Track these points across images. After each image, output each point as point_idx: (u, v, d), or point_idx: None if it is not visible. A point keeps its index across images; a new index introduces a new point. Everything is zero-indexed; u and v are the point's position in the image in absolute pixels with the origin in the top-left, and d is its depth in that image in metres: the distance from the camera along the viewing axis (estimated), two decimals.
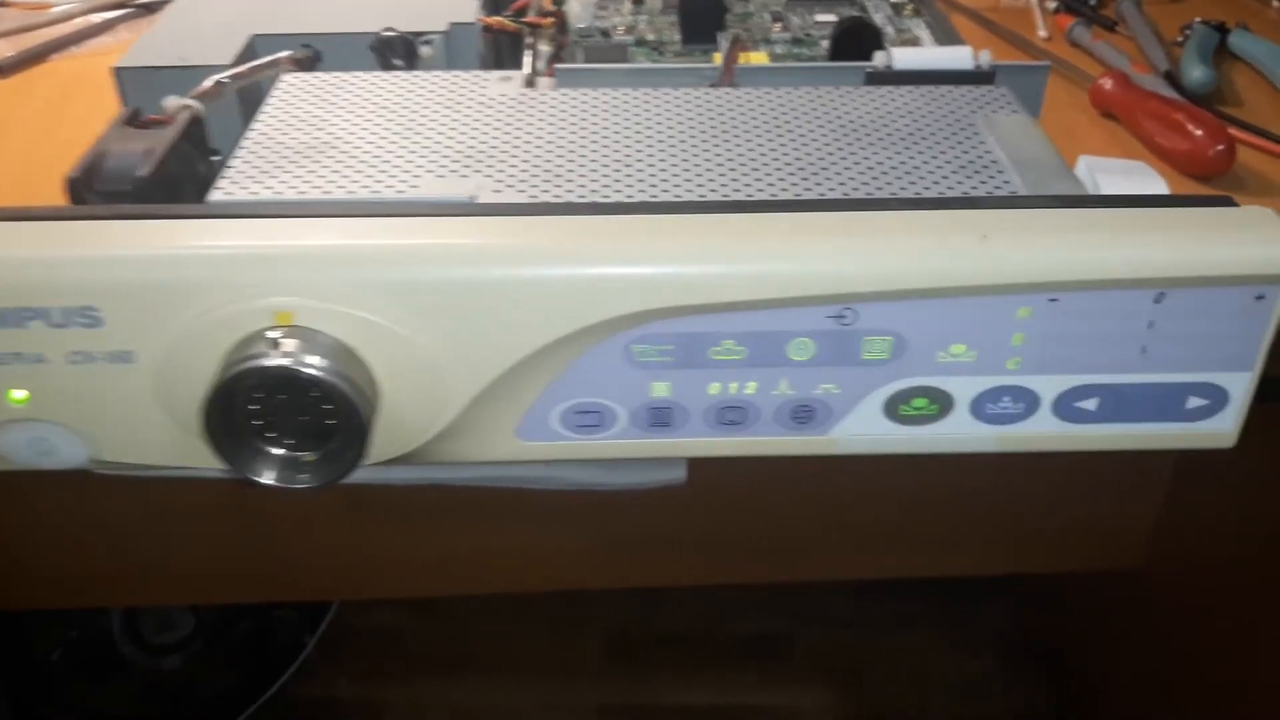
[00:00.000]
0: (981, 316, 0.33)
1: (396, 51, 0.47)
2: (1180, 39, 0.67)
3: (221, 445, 0.32)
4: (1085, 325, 0.34)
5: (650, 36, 0.56)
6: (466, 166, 0.38)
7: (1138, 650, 0.94)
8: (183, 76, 0.46)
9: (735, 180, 0.37)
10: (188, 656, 1.15)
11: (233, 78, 0.44)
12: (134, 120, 0.41)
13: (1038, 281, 0.32)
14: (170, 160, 0.39)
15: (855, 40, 0.50)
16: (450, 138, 0.39)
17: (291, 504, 0.79)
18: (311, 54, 0.48)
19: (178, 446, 0.34)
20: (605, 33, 0.56)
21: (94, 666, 1.13)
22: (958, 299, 0.33)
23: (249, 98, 0.46)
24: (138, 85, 0.46)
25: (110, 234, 0.32)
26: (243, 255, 0.32)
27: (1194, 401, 0.36)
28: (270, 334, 0.31)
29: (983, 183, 0.37)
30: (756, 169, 0.38)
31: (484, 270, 0.32)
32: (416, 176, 0.37)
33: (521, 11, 0.52)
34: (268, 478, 0.32)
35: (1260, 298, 0.33)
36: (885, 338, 0.33)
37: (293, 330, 0.32)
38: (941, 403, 0.35)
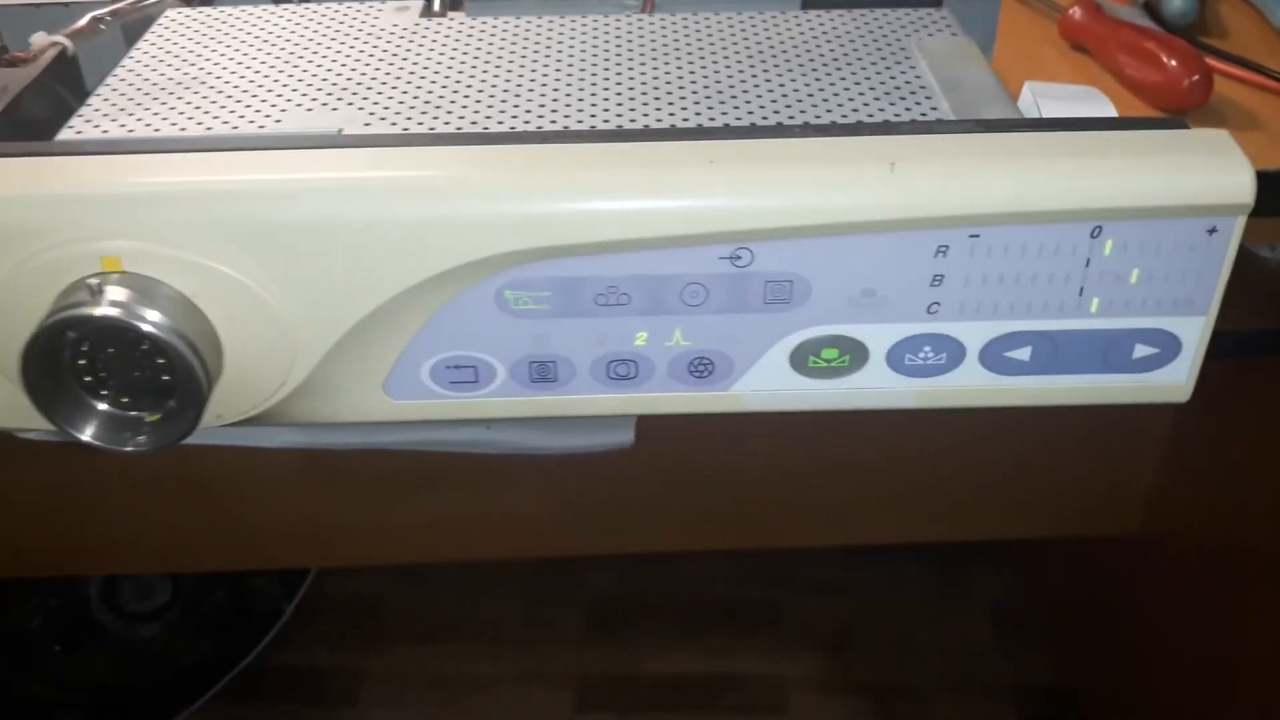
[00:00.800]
0: (894, 256, 0.30)
1: None
2: None
3: (41, 400, 0.29)
4: (1013, 264, 0.30)
5: None
6: (339, 100, 0.34)
7: (1136, 617, 0.91)
8: (63, 14, 0.42)
9: (636, 109, 0.34)
10: (165, 625, 1.13)
11: (112, 14, 0.41)
12: None
13: (955, 214, 0.29)
14: (28, 100, 0.36)
15: None
16: (329, 70, 0.36)
17: (264, 472, 0.77)
18: None
19: (11, 407, 0.31)
20: None
21: (72, 634, 1.11)
22: (866, 236, 0.29)
23: (136, 36, 0.43)
24: (12, 23, 0.42)
25: None
26: (67, 196, 0.28)
27: (1141, 350, 0.32)
28: (92, 281, 0.28)
29: (907, 110, 0.34)
30: (660, 97, 0.34)
31: (333, 208, 0.28)
32: (282, 111, 0.34)
33: None
34: (93, 436, 0.29)
35: (1213, 231, 0.30)
36: (785, 281, 0.30)
37: (122, 278, 0.28)
38: (854, 354, 0.31)
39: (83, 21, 0.40)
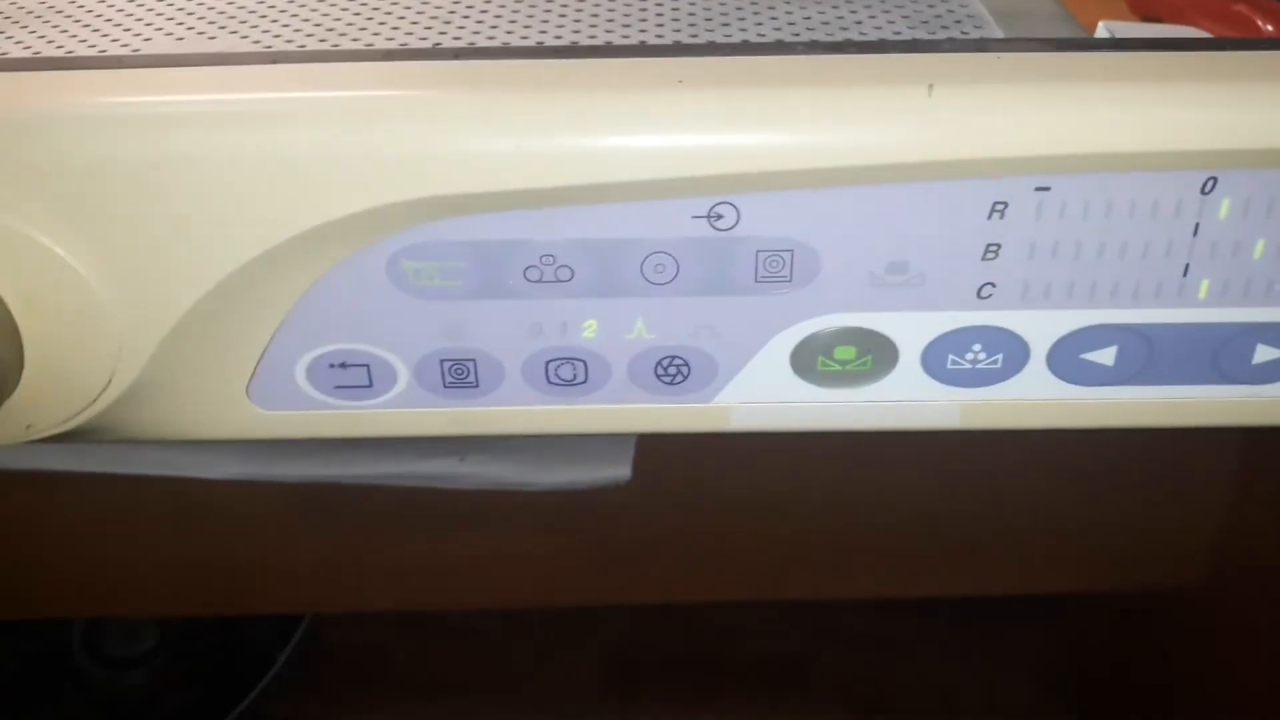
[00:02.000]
0: (933, 217, 0.22)
1: None
2: None
3: None
4: (1094, 230, 0.22)
5: None
6: (220, 27, 0.27)
7: (1191, 678, 0.81)
8: None
9: (599, 30, 0.26)
10: (151, 671, 1.07)
11: None
12: None
13: (1016, 157, 0.21)
14: None
15: None
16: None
17: (254, 510, 0.70)
18: None
19: None
20: None
21: (52, 681, 1.05)
22: (894, 188, 0.21)
23: None
24: None
25: None
26: None
27: (1265, 352, 0.24)
28: None
29: (950, 38, 0.26)
30: (629, 21, 0.27)
31: (162, 142, 0.21)
32: (146, 40, 0.26)
33: None
34: None
35: None
36: (784, 250, 0.22)
37: None
38: (878, 352, 0.23)
39: None
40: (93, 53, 0.25)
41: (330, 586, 0.79)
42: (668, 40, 0.25)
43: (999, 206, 0.21)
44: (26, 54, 0.25)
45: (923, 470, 0.65)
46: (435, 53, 0.24)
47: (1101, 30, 0.29)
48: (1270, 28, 0.40)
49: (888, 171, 0.21)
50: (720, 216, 0.22)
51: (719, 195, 0.21)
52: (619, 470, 0.54)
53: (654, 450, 0.56)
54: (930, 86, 0.21)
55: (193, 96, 0.21)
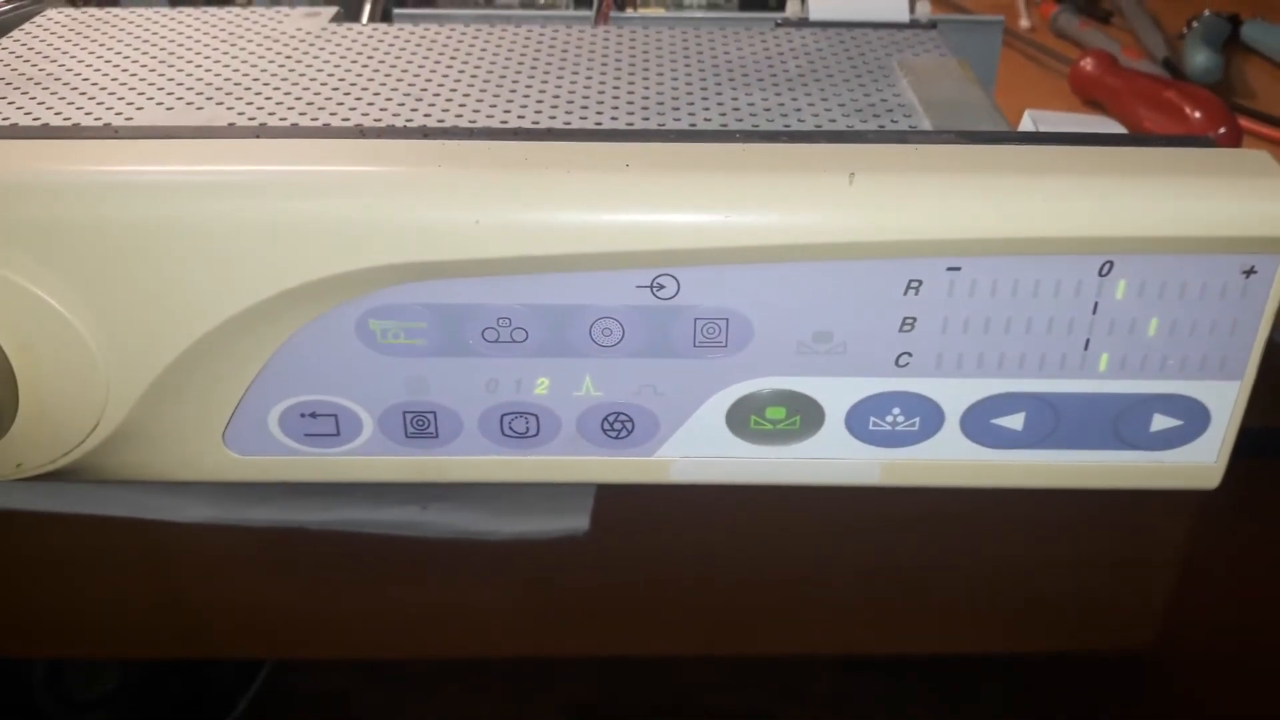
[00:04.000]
0: (855, 292, 0.24)
1: None
2: (1184, 31, 0.58)
3: None
4: (1002, 307, 0.24)
5: (541, 1, 0.47)
6: (208, 99, 0.29)
7: None
8: None
9: (558, 115, 0.28)
10: (112, 714, 1.06)
11: None
12: None
13: (929, 240, 0.23)
14: None
15: None
16: (207, 70, 0.31)
17: (219, 553, 0.71)
18: None
19: None
20: None
21: None
22: (819, 265, 0.24)
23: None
24: None
25: None
26: None
27: (1161, 421, 0.26)
28: None
29: (881, 127, 0.28)
30: (589, 104, 0.29)
31: (151, 207, 0.23)
32: (138, 109, 0.28)
33: None
34: None
35: (1250, 272, 0.24)
36: (720, 319, 0.24)
37: None
38: (805, 414, 0.25)
39: None
40: (89, 120, 0.27)
41: (292, 632, 0.79)
42: (621, 124, 0.27)
43: (914, 284, 0.24)
44: (29, 120, 0.27)
45: (884, 529, 0.67)
46: (405, 131, 0.26)
47: (1026, 120, 0.31)
48: (1198, 114, 0.43)
49: (813, 250, 0.23)
50: (662, 287, 0.24)
51: (661, 268, 0.23)
52: (577, 521, 0.55)
53: (613, 503, 0.58)
54: (851, 175, 0.23)
55: (180, 167, 0.23)
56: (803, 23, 0.38)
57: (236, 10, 0.36)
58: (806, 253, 0.23)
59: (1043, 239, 0.23)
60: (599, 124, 0.28)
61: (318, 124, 0.27)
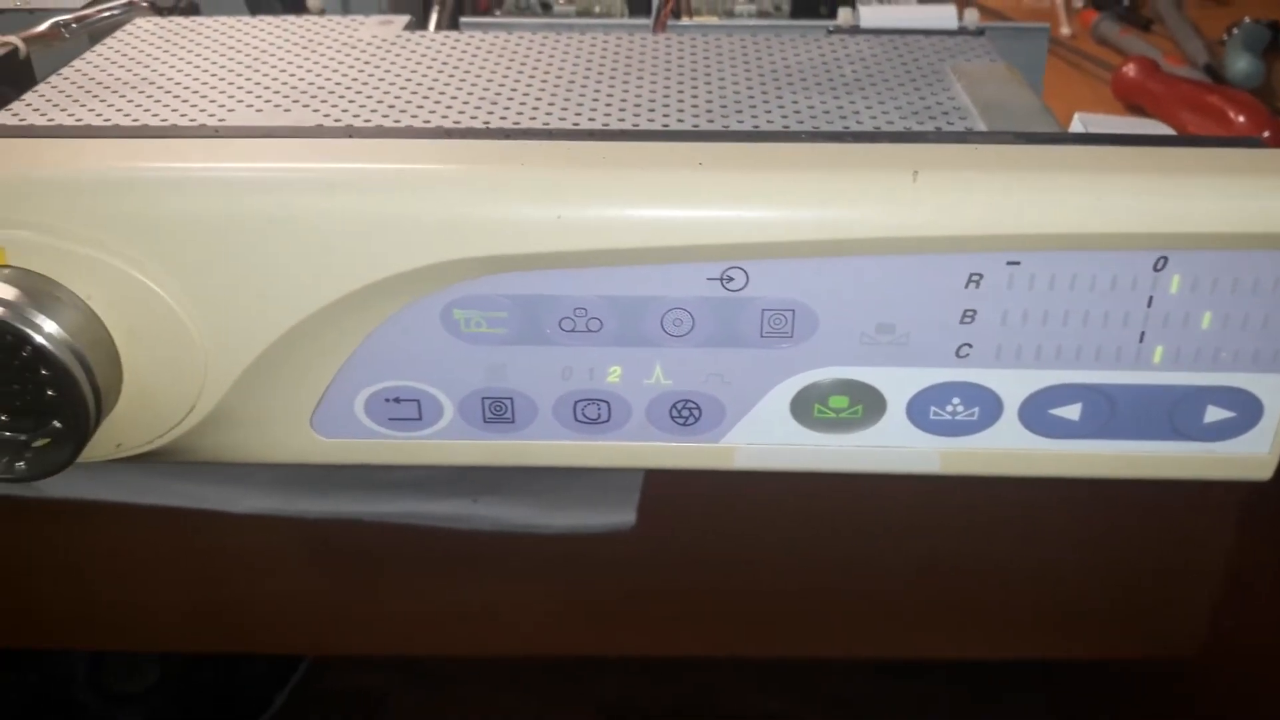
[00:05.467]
0: (917, 285, 0.25)
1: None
2: (1224, 38, 0.59)
3: None
4: (1060, 300, 0.25)
5: (597, 9, 0.49)
6: (295, 101, 0.30)
7: None
8: (29, 21, 0.39)
9: (627, 117, 0.29)
10: (149, 709, 1.08)
11: (77, 20, 0.38)
12: None
13: (990, 235, 0.24)
14: None
15: None
16: (290, 75, 0.32)
17: (259, 548, 0.72)
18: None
19: None
20: (545, 4, 0.49)
21: (51, 714, 1.06)
22: (883, 259, 0.25)
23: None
24: None
25: None
26: None
27: (1214, 413, 0.27)
28: None
29: (939, 128, 0.29)
30: (656, 107, 0.30)
31: (251, 202, 0.24)
32: (230, 111, 0.30)
33: None
34: None
35: None
36: (786, 310, 0.25)
37: (5, 272, 0.24)
38: (868, 403, 0.26)
39: (43, 26, 0.37)
40: (184, 122, 0.29)
41: (332, 627, 0.80)
42: (688, 125, 0.29)
43: (975, 278, 0.25)
44: (129, 121, 0.29)
45: (917, 531, 0.67)
46: (488, 132, 0.27)
47: (1076, 123, 0.32)
48: (1241, 118, 0.44)
49: (877, 245, 0.24)
50: (731, 279, 0.25)
51: (731, 261, 0.25)
52: (625, 516, 0.56)
53: (657, 501, 0.58)
54: (915, 173, 0.24)
55: (276, 164, 0.25)
56: (854, 30, 0.39)
57: (314, 18, 0.37)
58: (871, 247, 0.24)
59: (1099, 235, 0.24)
60: (667, 125, 0.29)
61: (400, 125, 0.28)
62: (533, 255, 0.24)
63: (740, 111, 0.30)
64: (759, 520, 0.63)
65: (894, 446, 0.27)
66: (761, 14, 0.47)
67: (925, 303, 0.25)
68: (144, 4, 0.40)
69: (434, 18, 0.41)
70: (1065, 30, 0.61)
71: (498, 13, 0.48)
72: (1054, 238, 0.24)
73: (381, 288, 0.24)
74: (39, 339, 0.24)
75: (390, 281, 0.24)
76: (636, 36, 0.36)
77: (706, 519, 0.61)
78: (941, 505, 0.47)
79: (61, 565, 0.71)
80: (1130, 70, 0.49)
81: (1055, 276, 0.25)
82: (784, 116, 0.30)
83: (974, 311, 0.25)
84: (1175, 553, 0.69)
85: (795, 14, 0.43)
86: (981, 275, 0.25)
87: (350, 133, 0.26)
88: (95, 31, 0.38)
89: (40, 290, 0.24)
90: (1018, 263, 0.25)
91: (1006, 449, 0.27)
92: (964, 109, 0.30)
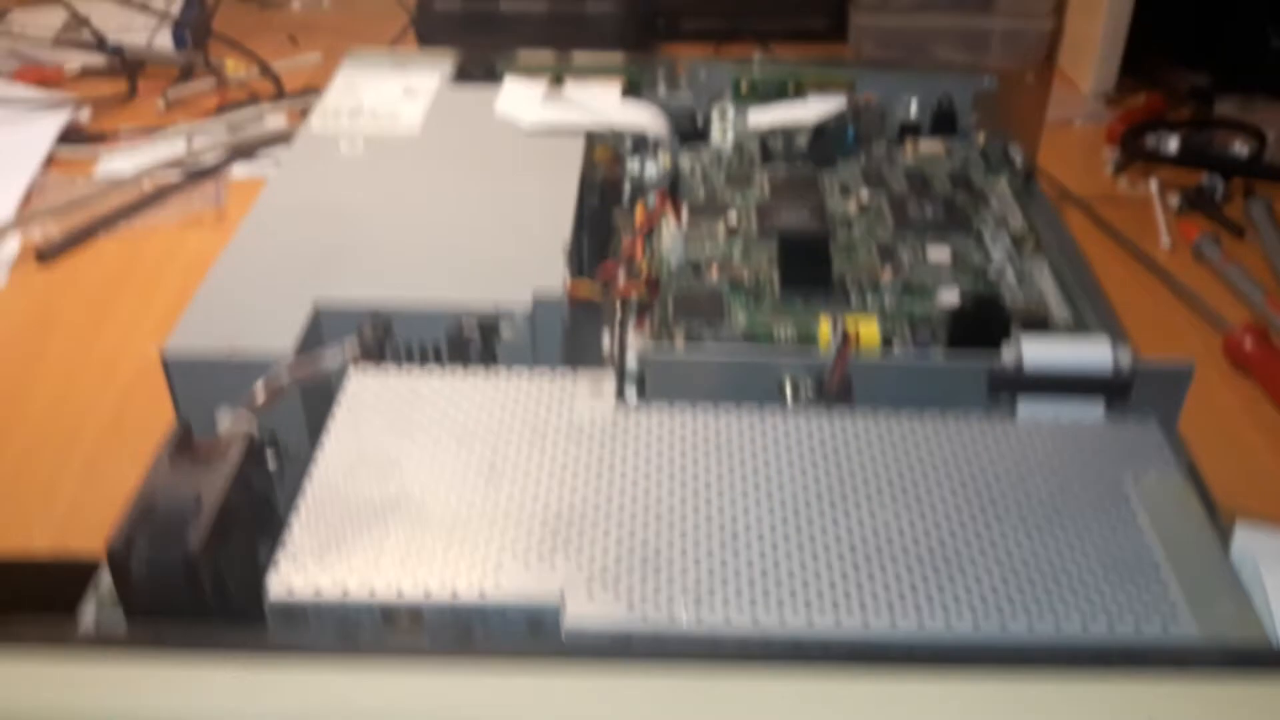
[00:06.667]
0: None
1: (471, 350, 0.44)
2: None
3: None
4: None
5: (745, 275, 0.52)
6: (551, 549, 0.33)
7: None
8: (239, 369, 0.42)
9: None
10: None
11: (292, 378, 0.41)
12: (184, 444, 0.37)
13: None
14: (224, 514, 0.35)
15: (978, 325, 0.45)
16: (534, 483, 0.35)
17: None
18: (382, 328, 0.44)
19: None
20: (696, 268, 0.52)
21: None
22: None
23: (311, 397, 0.43)
24: (187, 375, 0.42)
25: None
26: None
27: None
28: None
29: (1140, 601, 0.32)
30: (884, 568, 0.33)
31: None
32: (498, 565, 0.33)
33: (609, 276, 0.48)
34: None
35: None
36: None
37: None
38: None
39: (263, 396, 0.39)
40: (469, 592, 0.32)
41: None
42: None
43: None
44: (414, 590, 0.32)
45: None
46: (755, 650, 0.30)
47: (1238, 544, 0.35)
48: None
49: None
50: None
51: None
52: None
53: None
54: None
55: None
56: (1016, 374, 0.41)
57: (520, 377, 0.40)
58: None
59: None
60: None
61: (714, 618, 0.31)
62: None
63: (963, 568, 0.33)
64: None
65: None
66: (905, 289, 0.50)
67: None
68: (352, 348, 0.42)
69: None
70: (1164, 242, 0.64)
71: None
72: None
73: None
74: None
75: None
76: (823, 424, 0.38)
77: None
78: None
79: None
80: (1246, 342, 0.52)
81: None
82: (990, 571, 0.33)
83: None
84: None
85: (952, 342, 0.46)
86: None
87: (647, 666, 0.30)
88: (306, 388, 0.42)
89: None
90: None
91: None
92: (1157, 562, 0.33)
